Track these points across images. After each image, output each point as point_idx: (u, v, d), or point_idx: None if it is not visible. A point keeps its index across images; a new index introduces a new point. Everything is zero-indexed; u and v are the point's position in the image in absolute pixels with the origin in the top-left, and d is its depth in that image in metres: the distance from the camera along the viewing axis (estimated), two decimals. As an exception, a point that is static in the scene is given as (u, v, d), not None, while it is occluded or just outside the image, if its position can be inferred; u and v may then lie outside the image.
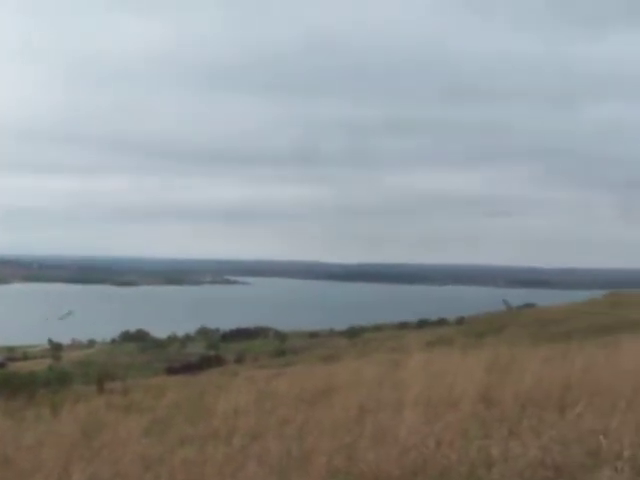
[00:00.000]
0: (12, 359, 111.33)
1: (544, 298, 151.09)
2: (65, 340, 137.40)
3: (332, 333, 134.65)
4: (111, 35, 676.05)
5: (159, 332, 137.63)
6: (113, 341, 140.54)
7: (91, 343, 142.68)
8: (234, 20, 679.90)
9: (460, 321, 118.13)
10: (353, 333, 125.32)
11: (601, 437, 7.55)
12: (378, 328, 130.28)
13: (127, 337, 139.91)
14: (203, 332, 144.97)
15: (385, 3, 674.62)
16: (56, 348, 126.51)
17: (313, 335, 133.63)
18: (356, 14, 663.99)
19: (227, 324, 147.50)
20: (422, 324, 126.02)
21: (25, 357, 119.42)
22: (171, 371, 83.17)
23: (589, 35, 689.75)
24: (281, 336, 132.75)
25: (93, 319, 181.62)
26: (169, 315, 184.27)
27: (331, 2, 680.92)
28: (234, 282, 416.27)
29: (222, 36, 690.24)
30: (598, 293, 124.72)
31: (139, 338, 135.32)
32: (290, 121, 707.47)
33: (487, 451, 7.53)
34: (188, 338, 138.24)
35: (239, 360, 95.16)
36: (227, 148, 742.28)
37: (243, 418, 10.52)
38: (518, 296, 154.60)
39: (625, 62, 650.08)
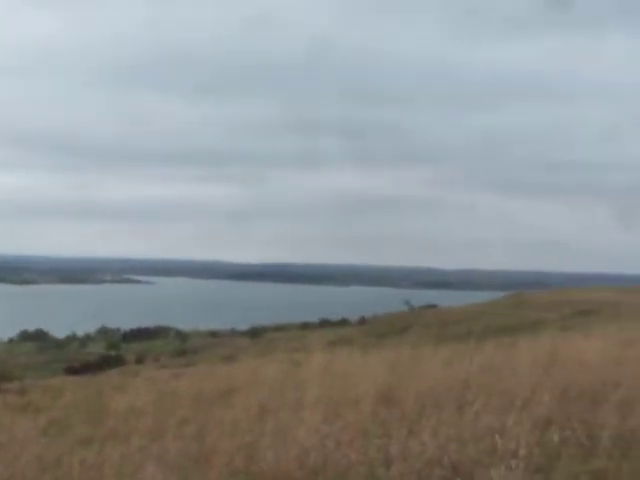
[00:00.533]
0: None
1: (446, 299, 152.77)
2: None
3: (234, 333, 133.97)
4: (19, 27, 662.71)
5: (59, 331, 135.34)
6: (11, 341, 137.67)
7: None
8: (151, 18, 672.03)
9: (362, 321, 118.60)
10: (255, 333, 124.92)
11: (497, 436, 7.67)
12: (280, 328, 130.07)
13: (25, 337, 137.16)
14: (103, 332, 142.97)
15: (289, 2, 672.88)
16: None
17: (214, 334, 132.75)
18: (256, 15, 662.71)
19: (128, 324, 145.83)
20: (324, 324, 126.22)
21: None
22: (70, 371, 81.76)
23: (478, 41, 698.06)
24: (182, 336, 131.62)
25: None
26: (69, 314, 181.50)
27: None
28: (136, 281, 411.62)
29: (140, 34, 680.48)
30: (499, 294, 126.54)
31: (38, 338, 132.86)
32: (200, 121, 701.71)
33: (386, 450, 7.60)
34: (88, 338, 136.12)
35: (140, 360, 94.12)
36: (133, 147, 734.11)
37: (142, 418, 10.44)
38: (420, 297, 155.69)
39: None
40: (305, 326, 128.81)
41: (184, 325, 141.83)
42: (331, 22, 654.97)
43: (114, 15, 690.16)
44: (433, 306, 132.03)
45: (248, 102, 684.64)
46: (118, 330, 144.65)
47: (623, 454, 7.53)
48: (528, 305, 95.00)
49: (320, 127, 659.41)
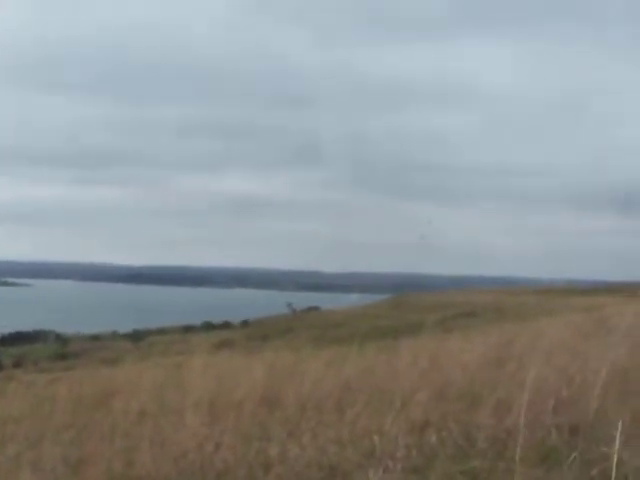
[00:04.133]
0: None
1: (328, 301, 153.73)
2: None
3: (115, 336, 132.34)
4: None
5: None
6: None
7: None
8: (34, 15, 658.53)
9: (245, 324, 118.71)
10: (137, 336, 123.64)
11: (376, 437, 7.76)
12: (163, 331, 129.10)
13: None
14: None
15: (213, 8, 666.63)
16: None
17: (95, 338, 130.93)
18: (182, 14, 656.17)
19: (5, 327, 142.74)
20: (207, 327, 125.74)
21: None
22: (-56, 376, 79.63)
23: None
24: (62, 339, 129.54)
25: None
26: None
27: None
28: (12, 284, 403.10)
29: (22, 31, 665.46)
30: (381, 297, 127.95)
31: None
32: (85, 122, 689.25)
33: (265, 453, 7.62)
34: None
35: (17, 364, 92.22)
36: (20, 147, 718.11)
37: (19, 425, 10.24)
38: (303, 299, 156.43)
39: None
40: (188, 329, 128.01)
41: (65, 329, 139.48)
42: (227, 23, 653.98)
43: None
44: (315, 308, 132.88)
45: (139, 102, 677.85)
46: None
47: (499, 454, 7.68)
48: (409, 307, 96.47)
49: (213, 129, 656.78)
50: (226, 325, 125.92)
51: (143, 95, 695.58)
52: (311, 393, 10.59)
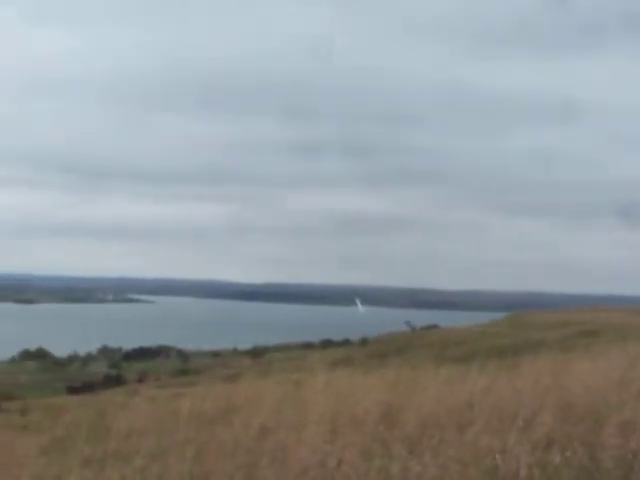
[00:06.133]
0: None
1: (447, 319, 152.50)
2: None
3: (235, 352, 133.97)
4: (23, 46, 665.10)
5: (60, 351, 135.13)
6: (12, 360, 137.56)
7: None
8: (152, 37, 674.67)
9: (364, 342, 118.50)
10: (257, 353, 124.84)
11: (498, 456, 7.66)
12: (282, 348, 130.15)
13: (27, 356, 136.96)
14: (105, 351, 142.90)
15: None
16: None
17: (216, 354, 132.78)
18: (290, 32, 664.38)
19: (129, 343, 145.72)
20: (326, 344, 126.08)
21: None
22: (72, 390, 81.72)
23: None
24: (183, 355, 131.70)
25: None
26: (70, 333, 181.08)
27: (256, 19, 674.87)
28: (137, 300, 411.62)
29: (141, 52, 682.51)
30: (499, 315, 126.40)
31: (39, 357, 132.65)
32: (201, 139, 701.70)
33: (387, 470, 7.58)
34: (89, 357, 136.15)
35: (141, 379, 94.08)
36: (133, 165, 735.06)
37: (144, 438, 10.41)
38: (421, 317, 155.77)
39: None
40: (307, 346, 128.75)
41: (185, 344, 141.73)
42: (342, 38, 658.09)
43: (110, 36, 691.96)
44: (434, 326, 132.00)
45: (250, 120, 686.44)
46: (119, 349, 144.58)
47: (624, 475, 7.51)
48: (529, 326, 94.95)
49: (323, 146, 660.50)
50: (345, 343, 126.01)
51: (255, 113, 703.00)
52: (431, 411, 10.52)
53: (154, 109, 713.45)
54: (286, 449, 8.48)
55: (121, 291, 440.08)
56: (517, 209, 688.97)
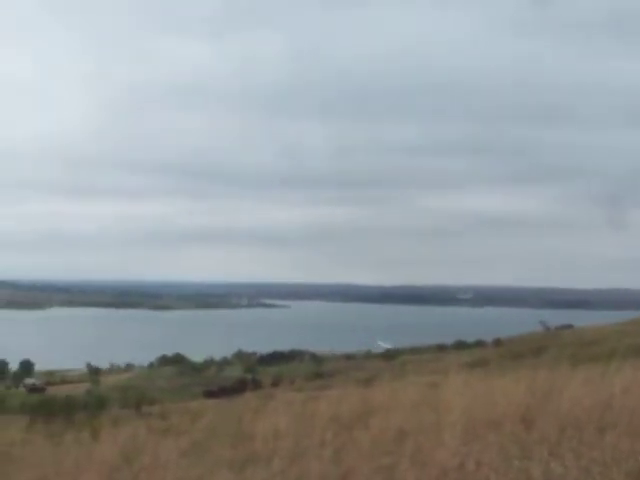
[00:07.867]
0: (51, 383, 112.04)
1: (581, 319, 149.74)
2: (103, 364, 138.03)
3: (369, 355, 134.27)
4: (159, 60, 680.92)
5: (196, 356, 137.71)
6: (151, 365, 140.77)
7: (129, 367, 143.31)
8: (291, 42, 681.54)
9: (498, 343, 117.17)
10: (390, 355, 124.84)
11: (641, 458, 7.52)
12: (415, 350, 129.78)
13: (165, 361, 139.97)
14: (240, 355, 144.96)
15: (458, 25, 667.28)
16: (94, 372, 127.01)
17: (349, 357, 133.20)
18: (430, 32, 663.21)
19: (264, 347, 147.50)
20: (460, 346, 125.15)
21: (63, 381, 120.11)
22: (209, 394, 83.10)
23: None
24: (317, 359, 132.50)
25: (130, 343, 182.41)
26: (206, 339, 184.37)
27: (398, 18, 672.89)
28: (270, 305, 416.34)
29: (276, 58, 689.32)
30: (636, 314, 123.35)
31: (176, 362, 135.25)
32: (330, 144, 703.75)
33: (528, 472, 7.51)
34: (225, 362, 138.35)
35: (276, 383, 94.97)
36: (267, 172, 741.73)
37: (281, 441, 10.53)
38: (555, 317, 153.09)
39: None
40: (440, 348, 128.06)
41: (318, 348, 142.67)
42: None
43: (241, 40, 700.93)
44: (569, 326, 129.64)
45: (380, 123, 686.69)
46: (254, 354, 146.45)
47: None
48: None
49: (451, 147, 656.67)
50: (479, 344, 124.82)
51: (386, 114, 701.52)
52: (569, 412, 10.36)
53: (281, 115, 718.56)
54: (425, 451, 8.48)
55: (255, 296, 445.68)
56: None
